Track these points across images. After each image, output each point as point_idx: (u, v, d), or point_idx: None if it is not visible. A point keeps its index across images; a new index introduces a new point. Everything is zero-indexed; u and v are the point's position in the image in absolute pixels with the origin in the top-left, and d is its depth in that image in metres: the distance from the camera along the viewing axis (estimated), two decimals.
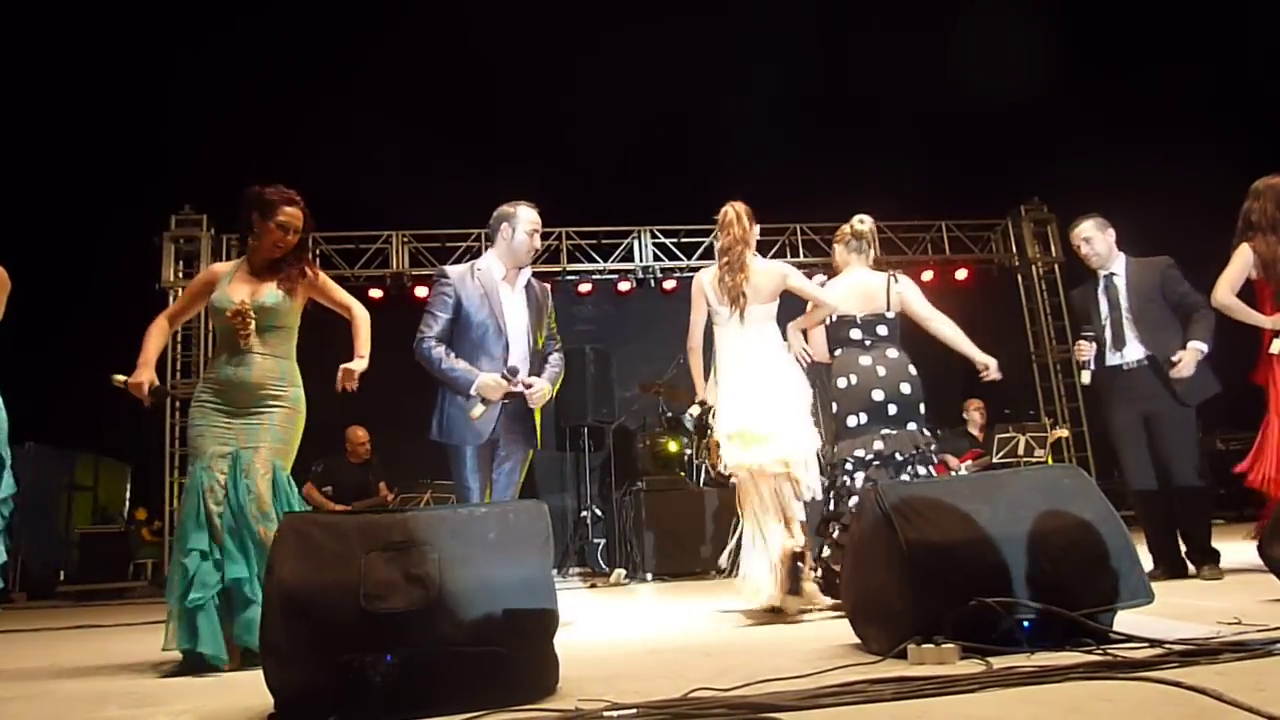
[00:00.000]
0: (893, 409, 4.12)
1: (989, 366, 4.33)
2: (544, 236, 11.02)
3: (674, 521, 7.27)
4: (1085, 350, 4.65)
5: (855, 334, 4.28)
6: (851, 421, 4.16)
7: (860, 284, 4.35)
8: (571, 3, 10.33)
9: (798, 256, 10.82)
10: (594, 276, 10.68)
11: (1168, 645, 2.17)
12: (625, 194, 10.79)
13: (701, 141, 11.02)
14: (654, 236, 10.80)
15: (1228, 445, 10.18)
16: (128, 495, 12.88)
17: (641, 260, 10.71)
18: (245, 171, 10.47)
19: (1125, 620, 2.47)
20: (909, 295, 4.35)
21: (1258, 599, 3.11)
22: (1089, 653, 2.21)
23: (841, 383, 4.23)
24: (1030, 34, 9.58)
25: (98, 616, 6.39)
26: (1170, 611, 2.86)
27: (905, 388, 4.16)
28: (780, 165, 10.42)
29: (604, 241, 10.79)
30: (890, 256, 10.95)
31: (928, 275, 10.74)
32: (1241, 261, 4.32)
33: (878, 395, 4.12)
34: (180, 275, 9.77)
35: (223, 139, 10.23)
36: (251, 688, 2.21)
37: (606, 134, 10.77)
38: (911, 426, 4.13)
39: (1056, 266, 11.35)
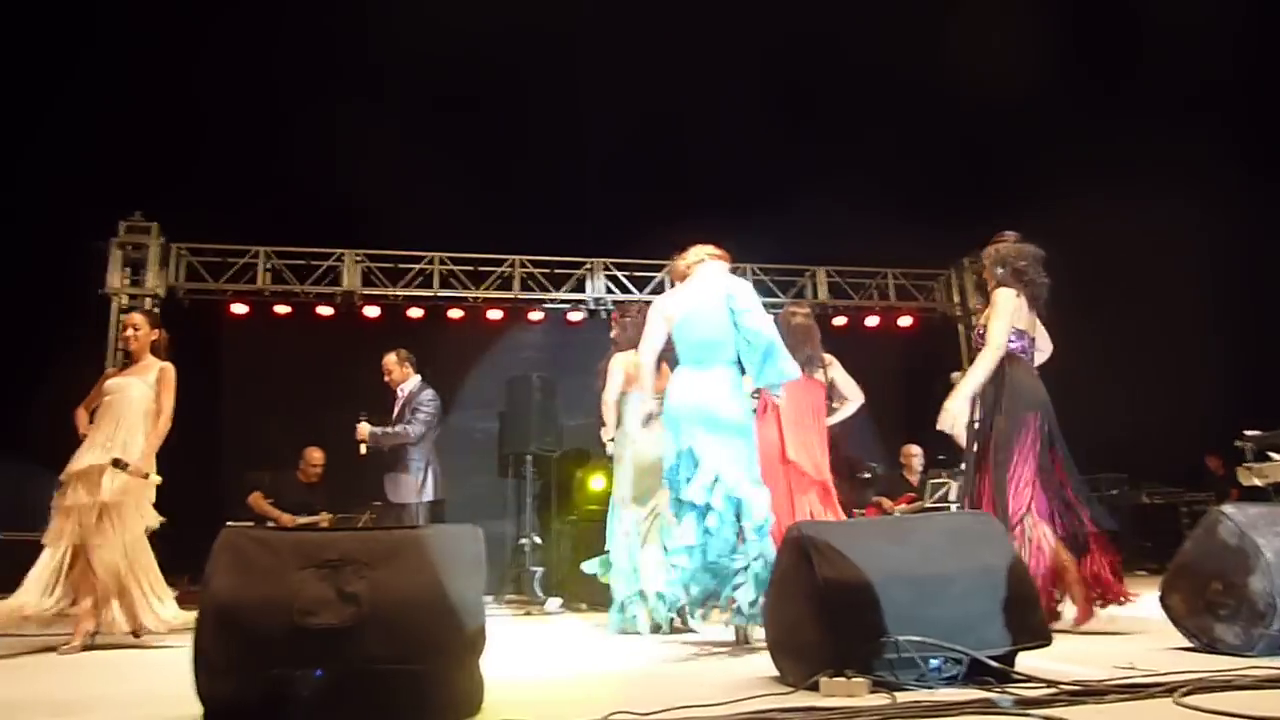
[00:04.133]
0: None
1: None
2: (497, 264, 11.10)
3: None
4: None
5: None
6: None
7: None
8: (533, 37, 10.49)
9: None
10: (546, 305, 10.76)
11: (1061, 686, 2.32)
12: (581, 225, 10.91)
13: (659, 179, 11.21)
14: (606, 270, 10.93)
15: (1151, 499, 10.56)
16: None
17: (593, 292, 10.82)
18: (201, 180, 10.40)
19: (1029, 661, 2.61)
20: None
21: (1156, 647, 3.27)
22: (989, 690, 2.33)
23: None
24: (970, 97, 9.95)
25: None
26: (1075, 656, 3.01)
27: None
28: (734, 205, 10.63)
29: (557, 271, 10.89)
30: (837, 301, 11.23)
31: (873, 321, 11.00)
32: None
33: None
34: (126, 282, 9.64)
35: (182, 146, 10.16)
36: (179, 697, 2.24)
37: (566, 166, 10.91)
38: None
39: None
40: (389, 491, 6.23)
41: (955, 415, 4.21)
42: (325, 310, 9.85)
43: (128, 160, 9.98)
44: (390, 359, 6.32)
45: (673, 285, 4.33)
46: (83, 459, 4.57)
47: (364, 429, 6.02)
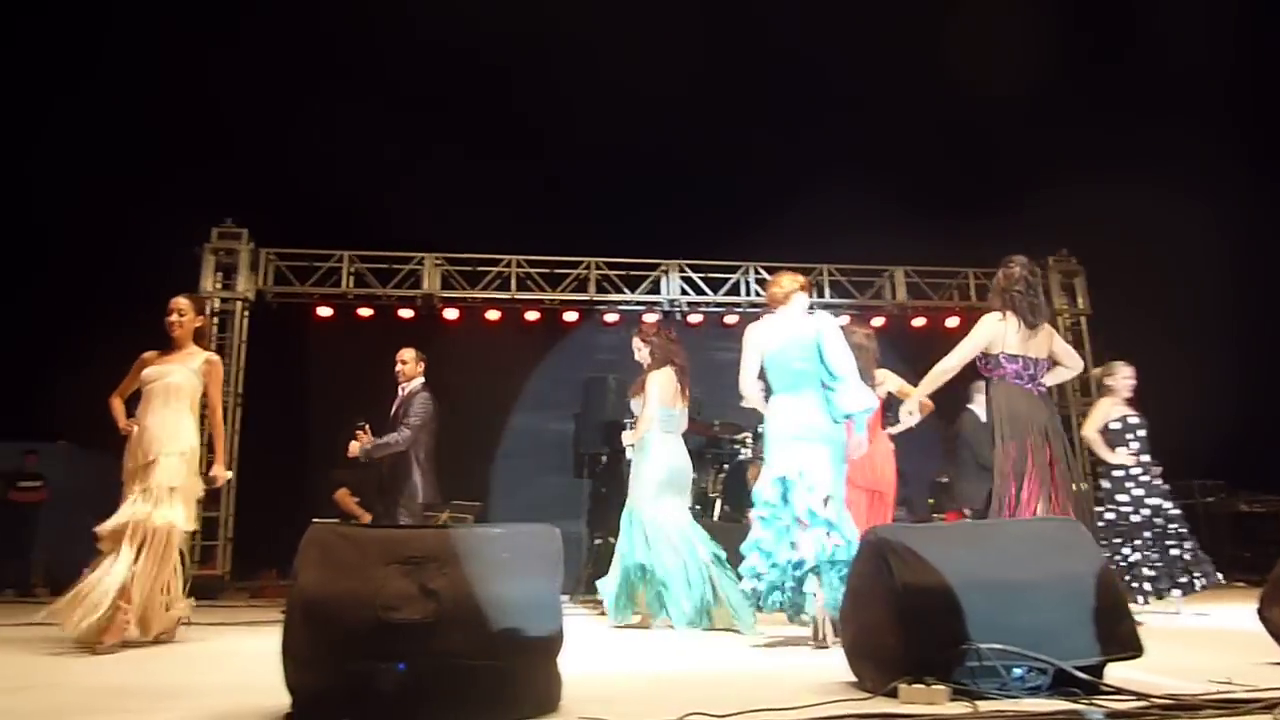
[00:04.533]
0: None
1: None
2: (573, 266, 11.18)
3: None
4: None
5: None
6: None
7: None
8: (605, 39, 10.56)
9: (824, 297, 10.90)
10: (620, 307, 10.81)
11: (1152, 699, 2.23)
12: (656, 227, 10.96)
13: (734, 182, 11.18)
14: (681, 271, 10.93)
15: (1251, 508, 10.10)
16: None
17: (668, 293, 10.83)
18: (288, 188, 10.76)
19: (1118, 672, 2.53)
20: None
21: (1255, 661, 3.13)
22: (1075, 701, 2.27)
23: None
24: (1053, 94, 9.69)
25: None
26: (1168, 668, 2.90)
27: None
28: (809, 207, 10.53)
29: (632, 273, 10.93)
30: (916, 301, 11.04)
31: (953, 322, 10.77)
32: None
33: None
34: (218, 285, 10.02)
35: (270, 155, 10.52)
36: (269, 687, 2.31)
37: (640, 169, 10.96)
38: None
39: (1083, 319, 11.35)
40: (386, 494, 6.36)
41: (905, 415, 4.72)
42: (406, 312, 10.10)
43: (220, 170, 10.41)
44: (410, 353, 6.36)
45: (769, 310, 4.65)
46: (135, 457, 4.38)
47: (354, 447, 6.13)
